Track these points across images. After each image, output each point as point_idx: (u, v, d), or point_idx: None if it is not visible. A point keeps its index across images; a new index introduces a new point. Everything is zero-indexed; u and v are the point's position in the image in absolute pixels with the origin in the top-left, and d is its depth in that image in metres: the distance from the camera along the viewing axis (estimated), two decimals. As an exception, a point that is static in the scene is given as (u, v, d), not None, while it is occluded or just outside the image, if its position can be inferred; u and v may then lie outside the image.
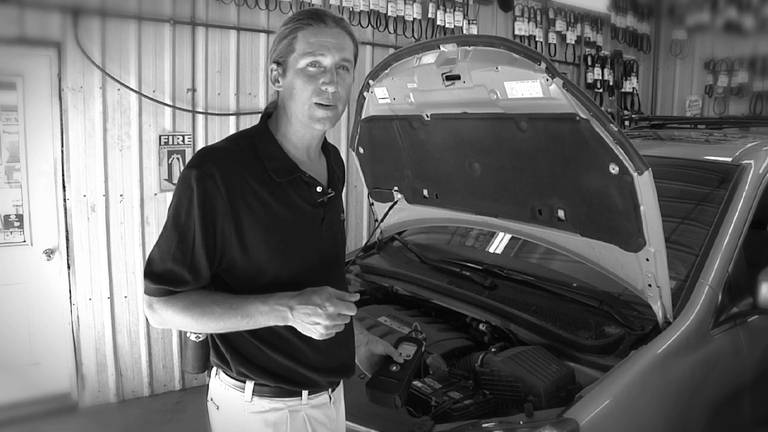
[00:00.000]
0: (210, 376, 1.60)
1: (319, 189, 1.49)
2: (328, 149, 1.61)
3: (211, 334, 1.50)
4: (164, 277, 1.38)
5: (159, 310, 1.40)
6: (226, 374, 1.49)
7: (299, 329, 1.37)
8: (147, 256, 1.43)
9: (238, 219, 1.38)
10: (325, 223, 1.52)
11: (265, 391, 1.46)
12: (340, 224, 1.60)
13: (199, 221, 1.35)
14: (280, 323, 1.37)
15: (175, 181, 3.72)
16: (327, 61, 1.39)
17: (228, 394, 1.49)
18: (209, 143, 3.81)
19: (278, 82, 1.45)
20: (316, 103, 1.39)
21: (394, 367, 1.68)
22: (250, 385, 1.46)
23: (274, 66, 1.44)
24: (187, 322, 1.40)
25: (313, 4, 4.07)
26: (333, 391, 1.57)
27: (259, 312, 1.36)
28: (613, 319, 2.03)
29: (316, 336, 1.36)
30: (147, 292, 1.41)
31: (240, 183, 1.38)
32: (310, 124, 1.42)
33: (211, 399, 1.56)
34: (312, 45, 1.38)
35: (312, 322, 1.34)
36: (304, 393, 1.49)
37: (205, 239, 1.36)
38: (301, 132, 1.46)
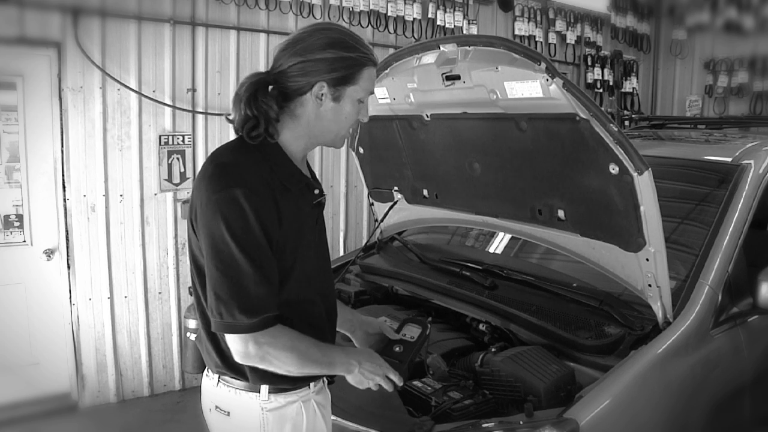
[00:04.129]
0: (203, 386, 1.59)
1: (316, 191, 1.54)
2: None
3: (216, 342, 1.48)
4: (261, 306, 1.35)
5: (265, 345, 1.36)
6: (237, 380, 1.49)
7: (351, 378, 1.53)
8: (215, 302, 1.36)
9: (281, 227, 1.40)
10: (318, 224, 1.57)
11: (278, 388, 1.48)
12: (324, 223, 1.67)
13: (263, 236, 1.35)
14: (345, 374, 1.52)
15: (175, 180, 3.75)
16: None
17: (241, 399, 1.49)
18: (209, 143, 3.84)
19: (321, 99, 1.46)
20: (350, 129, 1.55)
21: (398, 348, 1.67)
22: (266, 386, 1.47)
23: (325, 85, 1.44)
24: (292, 359, 1.40)
25: (312, 5, 4.07)
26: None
27: (340, 362, 1.50)
28: (613, 319, 2.03)
29: (361, 386, 1.55)
30: (248, 330, 1.35)
31: (273, 193, 1.39)
32: (336, 143, 1.56)
33: (217, 407, 1.53)
34: (372, 84, 1.53)
35: (372, 378, 1.54)
36: (311, 383, 1.53)
37: (270, 252, 1.37)
38: (309, 146, 1.54)
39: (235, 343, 1.38)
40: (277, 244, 1.39)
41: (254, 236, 1.34)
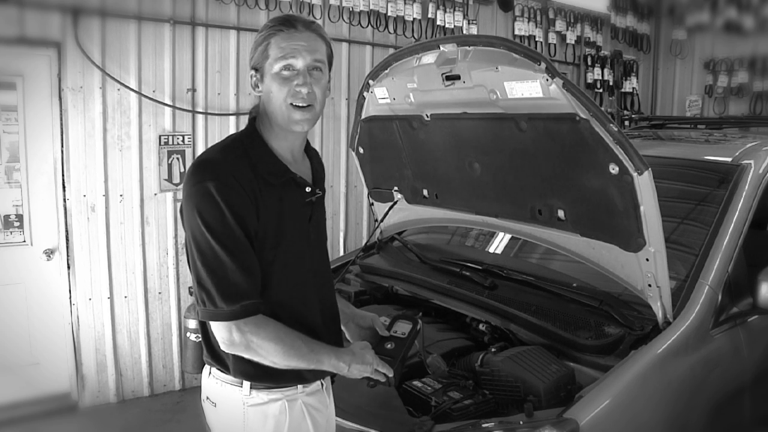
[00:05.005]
0: (202, 376, 1.62)
1: (307, 189, 1.55)
2: (310, 150, 1.66)
3: (206, 332, 1.50)
4: (240, 293, 1.38)
5: (248, 333, 1.38)
6: (223, 372, 1.51)
7: (343, 374, 1.53)
8: (198, 291, 1.40)
9: (259, 220, 1.42)
10: (312, 222, 1.57)
11: (262, 385, 1.49)
12: (324, 224, 1.67)
13: (238, 227, 1.37)
14: (334, 372, 1.53)
15: (175, 180, 3.75)
16: (299, 63, 1.45)
17: (225, 391, 1.51)
18: (209, 143, 3.84)
19: (257, 87, 1.50)
20: (291, 105, 1.45)
21: (389, 345, 1.67)
22: (247, 381, 1.49)
23: (253, 72, 1.51)
24: (277, 350, 1.41)
25: (312, 5, 4.07)
26: (324, 378, 1.62)
27: (328, 362, 1.49)
28: (613, 319, 2.03)
29: (351, 377, 1.55)
30: (229, 317, 1.38)
31: (252, 186, 1.41)
32: (289, 126, 1.48)
33: (207, 398, 1.57)
34: (284, 49, 1.44)
35: (360, 374, 1.55)
36: (300, 384, 1.53)
37: (249, 242, 1.39)
38: (283, 135, 1.51)
39: (219, 331, 1.41)
40: (256, 236, 1.41)
41: (228, 226, 1.37)
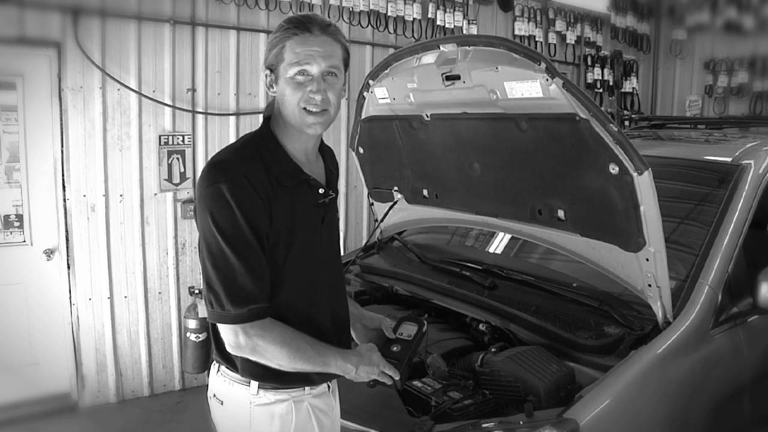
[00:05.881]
0: (210, 374, 1.62)
1: (320, 191, 1.54)
2: (324, 150, 1.65)
3: (216, 331, 1.50)
4: (248, 297, 1.38)
5: (255, 336, 1.39)
6: (231, 371, 1.52)
7: (350, 376, 1.53)
8: (207, 292, 1.40)
9: (271, 222, 1.42)
10: (325, 223, 1.56)
11: (269, 385, 1.49)
12: (336, 224, 1.66)
13: (249, 229, 1.37)
14: (341, 374, 1.52)
15: (175, 180, 3.76)
16: (314, 70, 1.43)
17: (233, 390, 1.52)
18: (209, 143, 3.85)
19: (272, 87, 1.50)
20: (305, 109, 1.44)
21: (395, 347, 1.67)
22: (255, 380, 1.49)
23: (268, 72, 1.49)
24: (282, 353, 1.41)
25: (312, 5, 4.07)
26: (331, 380, 1.62)
27: (335, 364, 1.48)
28: (613, 319, 2.03)
29: (358, 381, 1.55)
30: (236, 320, 1.38)
31: (265, 188, 1.41)
32: (302, 128, 1.47)
33: (214, 395, 1.58)
34: (299, 55, 1.42)
35: (368, 375, 1.54)
36: (307, 386, 1.53)
37: (260, 245, 1.39)
38: (297, 135, 1.50)
39: (226, 333, 1.41)
40: (268, 238, 1.41)
41: (239, 229, 1.37)
